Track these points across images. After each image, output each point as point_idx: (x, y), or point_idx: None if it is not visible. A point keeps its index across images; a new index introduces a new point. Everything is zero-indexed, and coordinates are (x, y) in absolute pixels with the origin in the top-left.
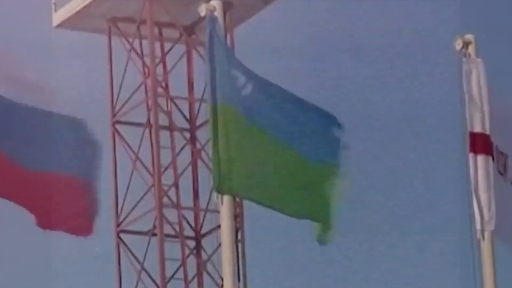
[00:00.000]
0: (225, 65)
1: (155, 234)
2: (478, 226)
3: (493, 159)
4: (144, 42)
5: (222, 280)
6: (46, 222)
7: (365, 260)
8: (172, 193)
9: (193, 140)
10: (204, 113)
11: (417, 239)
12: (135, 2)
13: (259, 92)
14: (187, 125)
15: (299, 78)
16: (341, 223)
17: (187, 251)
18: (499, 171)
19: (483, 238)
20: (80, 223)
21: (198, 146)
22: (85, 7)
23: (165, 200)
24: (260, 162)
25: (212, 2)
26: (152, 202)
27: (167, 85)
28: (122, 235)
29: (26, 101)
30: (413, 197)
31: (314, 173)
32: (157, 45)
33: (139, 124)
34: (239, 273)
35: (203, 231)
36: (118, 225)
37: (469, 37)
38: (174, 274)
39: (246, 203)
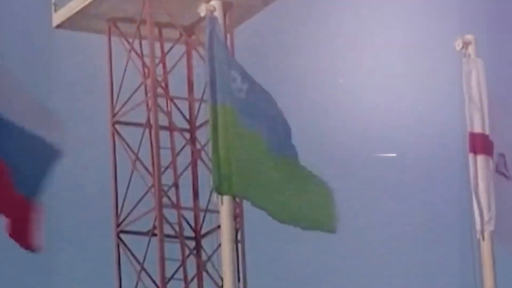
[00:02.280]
0: (224, 65)
1: (155, 234)
2: (478, 227)
3: (492, 159)
4: (144, 42)
5: (222, 280)
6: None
7: (365, 260)
8: (172, 193)
9: (193, 140)
10: (204, 113)
11: (417, 239)
12: (135, 2)
13: (257, 93)
14: (187, 125)
15: (299, 78)
16: (340, 224)
17: (187, 251)
18: (502, 173)
19: (483, 238)
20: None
21: (198, 146)
22: (85, 7)
23: (165, 200)
24: (259, 162)
25: (212, 3)
26: (152, 202)
27: (167, 85)
28: (122, 235)
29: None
30: (412, 197)
31: (306, 174)
32: (157, 45)
33: (139, 124)
34: (239, 273)
35: (203, 231)
36: (118, 225)
37: (469, 37)
38: (174, 274)
39: (246, 203)
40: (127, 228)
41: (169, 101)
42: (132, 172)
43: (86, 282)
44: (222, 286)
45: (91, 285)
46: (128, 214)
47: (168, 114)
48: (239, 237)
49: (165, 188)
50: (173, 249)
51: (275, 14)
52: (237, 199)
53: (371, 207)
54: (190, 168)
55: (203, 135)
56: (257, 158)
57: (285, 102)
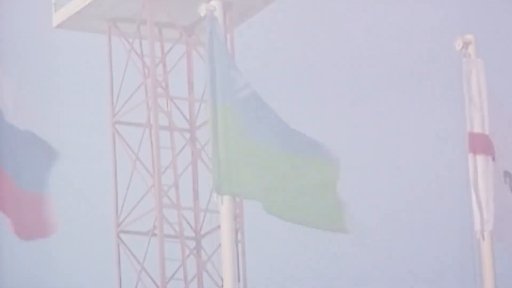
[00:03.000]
0: (225, 65)
1: (155, 234)
2: (478, 226)
3: (493, 159)
4: (144, 42)
5: (222, 280)
6: (23, 233)
7: (364, 261)
8: (172, 193)
9: (193, 140)
10: (204, 113)
11: (417, 239)
12: (135, 2)
13: (256, 94)
14: (187, 125)
15: (300, 78)
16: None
17: (187, 251)
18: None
19: (483, 238)
20: (45, 228)
21: (198, 146)
22: (85, 7)
23: (165, 200)
24: (259, 162)
25: (212, 2)
26: (152, 202)
27: (167, 85)
28: (122, 235)
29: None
30: (412, 197)
31: (309, 171)
32: (157, 45)
33: (139, 124)
34: (239, 273)
35: (203, 231)
36: (118, 225)
37: (469, 37)
38: (174, 274)
39: (246, 203)
40: (127, 228)
41: (169, 101)
42: (132, 172)
43: (86, 282)
44: (222, 286)
45: (91, 285)
46: (128, 214)
47: (168, 114)
48: (239, 237)
49: (165, 188)
50: (173, 249)
51: (275, 14)
52: (237, 199)
53: (370, 206)
54: (190, 168)
55: (203, 135)
56: (258, 157)
57: (285, 102)
